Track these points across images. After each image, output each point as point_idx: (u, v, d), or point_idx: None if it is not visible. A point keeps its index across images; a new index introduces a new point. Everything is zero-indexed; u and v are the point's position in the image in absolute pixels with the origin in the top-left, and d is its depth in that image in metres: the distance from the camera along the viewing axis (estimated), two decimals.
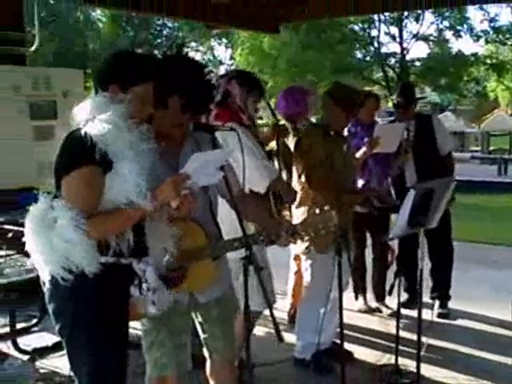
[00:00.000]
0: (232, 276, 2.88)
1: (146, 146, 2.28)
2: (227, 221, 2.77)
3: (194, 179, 2.30)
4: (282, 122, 4.63)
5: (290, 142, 4.41)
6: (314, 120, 5.22)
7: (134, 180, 2.20)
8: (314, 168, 3.91)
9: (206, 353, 2.86)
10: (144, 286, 2.38)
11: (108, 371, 2.36)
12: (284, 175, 4.41)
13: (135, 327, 2.78)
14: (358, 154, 4.61)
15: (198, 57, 37.83)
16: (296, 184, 4.07)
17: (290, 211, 4.09)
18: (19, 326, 4.38)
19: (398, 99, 5.14)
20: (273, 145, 4.34)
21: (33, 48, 5.24)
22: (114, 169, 2.21)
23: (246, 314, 2.48)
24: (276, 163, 4.26)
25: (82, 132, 2.18)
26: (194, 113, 2.60)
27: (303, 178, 3.99)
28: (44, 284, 2.35)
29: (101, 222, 2.21)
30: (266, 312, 4.72)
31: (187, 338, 2.78)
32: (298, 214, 3.97)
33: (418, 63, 29.46)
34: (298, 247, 3.97)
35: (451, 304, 5.19)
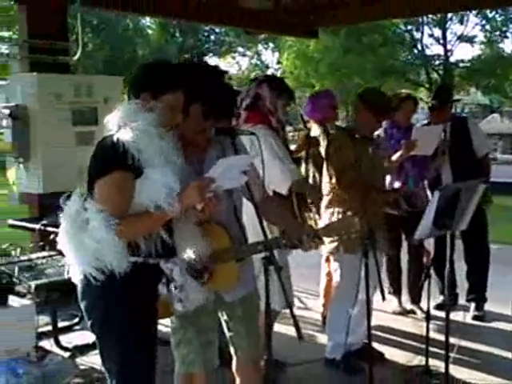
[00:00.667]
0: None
1: (175, 152, 2.38)
2: (251, 224, 2.83)
3: (219, 183, 2.37)
4: (313, 132, 4.70)
5: (321, 145, 4.48)
6: (340, 124, 5.27)
7: (164, 185, 2.29)
8: (343, 170, 3.96)
9: (231, 350, 2.92)
10: (171, 284, 2.47)
11: (137, 370, 2.44)
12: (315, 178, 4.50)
13: (166, 324, 2.86)
14: (395, 157, 4.62)
15: (245, 61, 38.10)
16: (326, 185, 4.13)
17: (319, 213, 4.15)
18: (62, 324, 4.53)
19: (433, 101, 5.14)
20: (303, 153, 4.43)
21: (76, 57, 5.43)
22: (144, 174, 2.30)
23: (267, 312, 2.54)
24: (303, 167, 4.33)
25: (115, 138, 2.28)
26: (216, 119, 2.64)
27: (333, 180, 4.05)
28: (76, 282, 2.46)
29: (131, 223, 2.30)
30: (299, 312, 4.81)
31: (214, 335, 2.85)
32: (327, 215, 4.02)
33: (462, 65, 28.92)
34: (328, 247, 4.02)
35: (488, 306, 5.14)
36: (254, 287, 2.90)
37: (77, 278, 2.44)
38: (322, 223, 4.13)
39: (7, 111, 4.81)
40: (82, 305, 2.46)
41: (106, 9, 6.79)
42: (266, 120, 3.75)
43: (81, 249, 2.31)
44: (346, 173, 3.95)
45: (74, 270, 2.42)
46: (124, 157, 2.25)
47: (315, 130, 4.76)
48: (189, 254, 2.52)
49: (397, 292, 5.25)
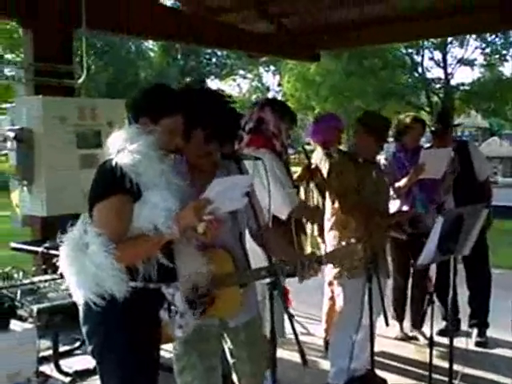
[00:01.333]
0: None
1: (175, 175, 2.39)
2: (252, 249, 2.83)
3: (217, 204, 2.33)
4: (316, 155, 4.72)
5: (323, 167, 4.49)
6: (342, 147, 5.27)
7: (163, 208, 2.29)
8: (345, 194, 3.96)
9: (235, 378, 2.91)
10: (172, 309, 2.45)
11: None
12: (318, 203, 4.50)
13: (169, 350, 2.84)
14: (402, 182, 4.63)
15: (246, 84, 38.34)
16: (329, 209, 4.13)
17: (322, 236, 4.15)
18: (63, 348, 4.51)
19: (436, 125, 5.16)
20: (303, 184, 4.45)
21: (80, 80, 5.46)
22: (143, 197, 2.31)
23: (272, 337, 2.54)
24: (303, 191, 4.34)
25: (113, 162, 2.29)
26: (219, 143, 2.64)
27: (336, 204, 4.05)
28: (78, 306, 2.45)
29: (128, 247, 2.30)
30: (301, 338, 4.77)
31: (217, 361, 2.82)
32: (329, 239, 4.02)
33: (462, 88, 29.10)
34: (330, 272, 4.01)
35: (490, 332, 5.12)
36: (257, 312, 2.90)
37: (79, 302, 2.44)
38: (325, 247, 4.14)
39: (12, 134, 4.83)
40: (84, 330, 2.46)
41: (112, 33, 6.85)
42: (269, 144, 3.77)
43: (81, 273, 2.31)
44: (349, 197, 3.95)
45: (77, 295, 2.42)
46: (122, 181, 2.27)
47: (318, 153, 4.77)
48: (189, 278, 2.51)
49: (400, 318, 5.22)
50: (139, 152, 2.30)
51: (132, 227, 2.32)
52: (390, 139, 4.69)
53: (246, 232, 2.83)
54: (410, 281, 5.21)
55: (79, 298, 2.40)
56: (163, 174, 2.34)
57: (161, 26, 6.18)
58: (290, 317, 2.54)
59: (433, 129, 5.22)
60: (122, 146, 2.34)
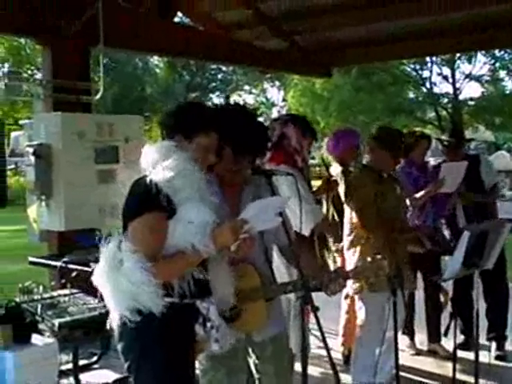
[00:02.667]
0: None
1: (209, 191, 2.40)
2: (276, 266, 2.85)
3: (252, 224, 2.37)
4: (333, 170, 4.73)
5: (340, 185, 4.49)
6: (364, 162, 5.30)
7: (199, 225, 2.30)
8: (364, 209, 3.96)
9: None
10: (208, 324, 2.46)
11: None
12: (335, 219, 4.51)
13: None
14: (420, 195, 4.66)
15: (251, 99, 38.53)
16: (347, 226, 4.14)
17: (342, 254, 4.15)
18: (81, 362, 4.51)
19: (449, 140, 5.21)
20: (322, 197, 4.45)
21: (97, 96, 5.53)
22: (178, 214, 2.31)
23: (303, 352, 2.53)
24: (324, 207, 4.34)
25: (147, 179, 2.30)
26: (250, 158, 2.65)
27: (354, 220, 4.05)
28: (111, 322, 2.45)
29: (165, 266, 2.31)
30: (322, 352, 4.76)
31: (244, 376, 2.83)
32: (349, 255, 4.02)
33: (471, 103, 29.17)
34: (350, 287, 4.01)
35: (510, 346, 5.10)
36: (284, 327, 2.90)
37: (115, 322, 2.42)
38: (345, 263, 4.13)
39: (31, 149, 4.87)
40: (119, 346, 2.45)
41: (129, 50, 6.92)
42: (291, 160, 3.78)
43: (116, 290, 2.31)
44: (367, 211, 3.95)
45: (112, 311, 2.41)
46: (157, 197, 2.27)
47: (335, 168, 4.78)
48: (222, 293, 2.53)
49: (409, 332, 5.21)
50: (175, 168, 2.30)
51: (167, 244, 2.32)
52: None
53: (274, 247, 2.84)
54: (423, 295, 5.20)
55: (115, 314, 2.40)
56: (198, 191, 2.35)
57: (176, 44, 6.28)
58: (321, 332, 2.53)
59: (445, 143, 5.26)
60: (156, 162, 2.35)
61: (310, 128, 3.94)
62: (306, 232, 3.68)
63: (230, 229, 2.33)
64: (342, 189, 4.43)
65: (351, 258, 4.02)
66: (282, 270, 2.72)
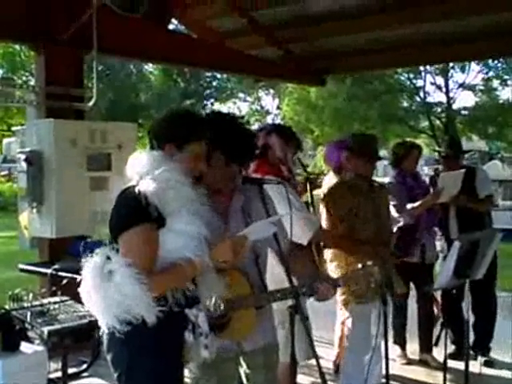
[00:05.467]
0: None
1: (199, 202, 2.37)
2: (270, 272, 2.83)
3: (250, 238, 2.41)
4: (329, 179, 4.71)
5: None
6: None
7: (191, 236, 2.28)
8: (334, 224, 3.92)
9: None
10: (197, 330, 2.43)
11: None
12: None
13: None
14: (417, 205, 4.66)
15: (245, 107, 38.54)
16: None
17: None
18: (71, 370, 4.48)
19: (447, 151, 5.23)
20: (305, 197, 4.42)
21: (91, 103, 5.51)
22: (167, 225, 2.29)
23: (292, 363, 2.53)
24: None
25: (136, 190, 2.26)
26: (239, 164, 2.66)
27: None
28: (101, 331, 2.42)
29: (161, 278, 2.29)
30: (312, 361, 4.75)
31: None
32: (332, 268, 3.98)
33: (464, 112, 29.30)
34: (339, 299, 3.98)
35: (499, 356, 5.10)
36: (274, 338, 2.88)
37: (103, 329, 2.40)
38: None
39: (23, 156, 4.86)
40: (108, 357, 2.43)
41: (122, 57, 6.93)
42: (275, 170, 3.73)
43: (105, 301, 2.27)
44: (337, 227, 3.91)
45: (100, 321, 2.38)
46: (147, 209, 2.23)
47: (331, 178, 4.75)
48: (210, 301, 2.52)
49: (400, 341, 5.21)
50: (165, 179, 2.27)
51: (157, 256, 2.30)
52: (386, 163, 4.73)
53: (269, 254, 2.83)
54: (416, 305, 5.20)
55: (103, 325, 2.37)
56: (188, 202, 2.32)
57: (170, 51, 6.27)
58: (310, 341, 2.52)
59: (443, 154, 5.28)
60: (146, 172, 2.31)
61: (295, 138, 3.90)
62: (304, 241, 3.64)
63: (230, 246, 2.33)
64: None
65: (334, 272, 3.96)
66: (282, 277, 2.69)
